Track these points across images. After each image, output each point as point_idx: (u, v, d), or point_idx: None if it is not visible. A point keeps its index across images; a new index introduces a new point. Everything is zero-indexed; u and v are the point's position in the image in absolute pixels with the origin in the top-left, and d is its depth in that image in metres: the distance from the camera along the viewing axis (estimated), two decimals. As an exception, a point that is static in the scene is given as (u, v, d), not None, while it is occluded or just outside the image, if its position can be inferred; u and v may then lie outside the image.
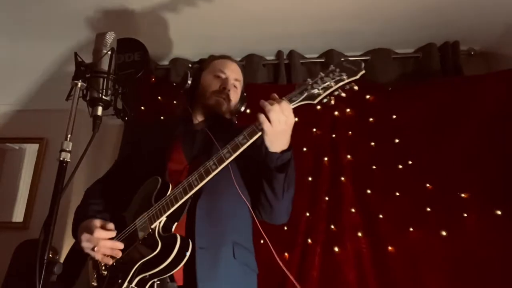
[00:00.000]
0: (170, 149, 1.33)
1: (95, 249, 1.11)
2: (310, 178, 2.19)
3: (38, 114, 2.87)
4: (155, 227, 1.13)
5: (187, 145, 1.33)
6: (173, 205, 1.11)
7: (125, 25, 2.23)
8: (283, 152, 1.14)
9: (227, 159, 1.08)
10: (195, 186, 1.10)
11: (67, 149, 1.06)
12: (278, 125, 1.04)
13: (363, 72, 1.04)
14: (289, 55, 2.49)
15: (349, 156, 2.21)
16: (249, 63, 2.50)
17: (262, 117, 1.04)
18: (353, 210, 2.11)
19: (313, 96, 1.05)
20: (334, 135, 2.25)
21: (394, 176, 2.13)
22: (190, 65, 2.51)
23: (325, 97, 1.05)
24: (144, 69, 2.34)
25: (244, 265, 1.23)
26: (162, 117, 2.34)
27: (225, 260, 1.16)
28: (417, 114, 2.19)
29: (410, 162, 2.13)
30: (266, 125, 1.04)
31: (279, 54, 2.50)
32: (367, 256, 2.02)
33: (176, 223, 1.14)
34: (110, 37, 1.21)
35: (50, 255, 0.97)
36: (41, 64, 2.58)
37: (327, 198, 2.15)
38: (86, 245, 1.13)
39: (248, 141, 1.06)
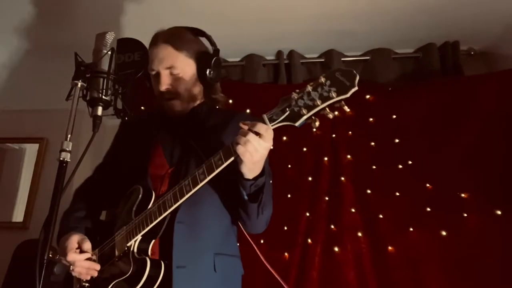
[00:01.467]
0: (151, 152, 1.26)
1: (71, 267, 1.12)
2: (310, 178, 2.19)
3: (38, 114, 2.86)
4: (131, 245, 1.11)
5: (168, 148, 1.26)
6: (148, 225, 1.08)
7: (125, 24, 2.23)
8: (256, 178, 1.06)
9: (201, 181, 1.01)
10: (169, 207, 1.05)
11: (67, 149, 1.06)
12: (256, 155, 0.96)
13: (355, 89, 0.87)
14: (289, 55, 2.49)
15: (349, 156, 2.21)
16: (249, 63, 2.50)
17: (240, 148, 0.95)
18: (353, 210, 2.11)
19: (295, 116, 0.92)
20: (334, 135, 2.25)
21: (394, 176, 2.13)
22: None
23: (308, 117, 0.92)
24: (144, 69, 2.33)
25: (225, 273, 1.18)
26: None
27: (205, 276, 1.12)
28: (417, 114, 2.20)
29: (410, 162, 2.13)
30: (244, 156, 0.95)
31: (279, 54, 2.50)
32: (367, 256, 2.02)
33: (153, 240, 1.11)
34: (110, 37, 1.21)
35: (50, 255, 0.97)
36: (40, 63, 2.58)
37: (327, 198, 2.15)
38: (64, 262, 1.14)
39: (223, 163, 0.99)
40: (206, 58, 1.32)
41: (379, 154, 2.18)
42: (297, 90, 0.94)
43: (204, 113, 1.33)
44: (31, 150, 2.86)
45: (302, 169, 2.19)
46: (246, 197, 1.08)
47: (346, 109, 0.91)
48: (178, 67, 1.29)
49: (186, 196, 1.04)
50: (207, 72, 1.30)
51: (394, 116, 2.22)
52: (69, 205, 1.33)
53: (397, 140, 2.18)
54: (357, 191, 2.15)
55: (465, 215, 1.99)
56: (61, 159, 1.04)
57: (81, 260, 1.12)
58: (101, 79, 1.15)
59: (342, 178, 2.16)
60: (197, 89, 1.34)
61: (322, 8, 2.13)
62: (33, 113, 2.88)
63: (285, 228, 2.03)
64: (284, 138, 2.09)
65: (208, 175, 1.01)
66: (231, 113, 1.35)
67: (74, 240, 1.14)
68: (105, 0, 2.07)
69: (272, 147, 1.01)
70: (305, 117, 0.91)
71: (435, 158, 2.10)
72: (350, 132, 2.25)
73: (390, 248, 2.01)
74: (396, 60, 2.47)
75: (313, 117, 0.92)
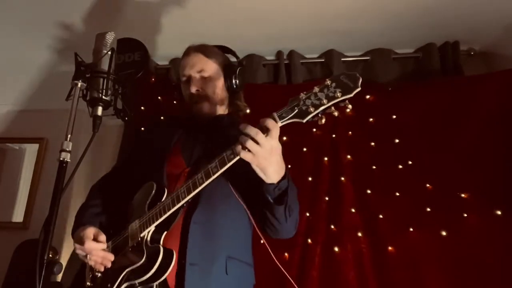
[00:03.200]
0: (170, 152, 1.32)
1: (87, 257, 1.18)
2: (310, 178, 2.18)
3: (38, 114, 2.86)
4: (144, 236, 1.16)
5: (187, 149, 1.32)
6: (161, 216, 1.13)
7: (125, 24, 2.23)
8: (279, 181, 1.08)
9: (213, 174, 1.05)
10: (183, 199, 1.10)
11: (67, 149, 1.06)
12: (261, 152, 0.97)
13: (358, 89, 0.95)
14: (289, 55, 2.49)
15: (349, 156, 2.21)
16: (249, 63, 2.49)
17: (238, 148, 0.98)
18: (353, 210, 2.11)
19: (303, 114, 0.97)
20: (334, 135, 2.24)
21: (394, 176, 2.13)
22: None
23: (315, 115, 0.97)
24: (144, 69, 2.34)
25: (238, 279, 1.21)
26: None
27: (216, 276, 1.15)
28: (417, 114, 2.19)
29: (410, 162, 2.13)
30: (244, 154, 0.98)
31: (279, 54, 2.50)
32: (367, 256, 2.02)
33: (166, 232, 1.16)
34: (110, 37, 1.21)
35: (50, 255, 0.97)
36: (41, 63, 2.59)
37: (327, 198, 2.15)
38: (79, 252, 1.21)
39: (235, 157, 1.01)
40: (232, 68, 1.47)
41: (379, 154, 2.18)
42: (305, 92, 0.99)
43: (226, 123, 1.41)
44: (31, 150, 2.86)
45: (302, 169, 2.18)
46: (272, 200, 1.11)
47: (350, 107, 0.98)
48: (208, 71, 1.42)
49: (199, 188, 1.07)
50: (233, 80, 1.45)
51: (394, 116, 2.22)
52: (84, 201, 1.41)
53: (397, 140, 2.18)
54: (357, 191, 2.14)
55: (465, 215, 1.98)
56: (61, 159, 1.05)
57: (97, 249, 1.18)
58: (101, 79, 1.16)
59: (342, 178, 2.16)
60: (224, 95, 1.46)
61: (322, 8, 2.13)
62: (33, 113, 2.89)
63: (285, 228, 2.03)
64: (284, 138, 2.09)
65: (221, 168, 1.04)
66: None
67: (90, 231, 1.20)
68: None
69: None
70: (312, 114, 0.97)
71: (435, 158, 2.10)
72: (350, 132, 2.25)
73: (390, 248, 2.01)
74: (396, 60, 2.46)
75: (319, 115, 0.98)
